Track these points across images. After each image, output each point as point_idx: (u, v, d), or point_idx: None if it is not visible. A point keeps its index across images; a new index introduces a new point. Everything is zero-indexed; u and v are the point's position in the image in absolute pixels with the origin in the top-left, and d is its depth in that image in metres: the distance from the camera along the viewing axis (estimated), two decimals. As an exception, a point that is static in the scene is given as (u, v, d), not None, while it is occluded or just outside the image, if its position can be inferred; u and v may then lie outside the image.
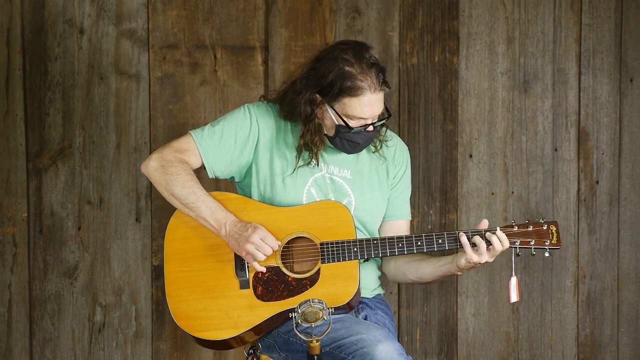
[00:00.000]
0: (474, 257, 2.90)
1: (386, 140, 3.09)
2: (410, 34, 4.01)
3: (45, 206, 3.93)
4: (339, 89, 2.87)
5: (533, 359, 4.10)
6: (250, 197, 3.03)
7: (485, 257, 2.91)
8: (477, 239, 2.91)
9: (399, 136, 3.23)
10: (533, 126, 4.05)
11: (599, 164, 4.07)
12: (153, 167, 2.94)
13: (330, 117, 2.94)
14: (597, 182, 4.07)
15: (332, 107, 2.92)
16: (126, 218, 3.96)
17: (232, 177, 3.07)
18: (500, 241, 2.92)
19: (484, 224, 2.95)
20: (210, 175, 3.02)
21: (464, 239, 2.92)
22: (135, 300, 3.98)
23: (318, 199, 3.00)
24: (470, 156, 4.04)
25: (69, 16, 3.89)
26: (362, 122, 2.92)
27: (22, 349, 3.97)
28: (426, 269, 3.03)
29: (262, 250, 2.87)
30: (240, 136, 2.99)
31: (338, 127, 2.93)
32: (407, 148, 3.17)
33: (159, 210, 3.95)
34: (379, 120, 2.95)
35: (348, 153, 3.00)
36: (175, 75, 3.95)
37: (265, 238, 2.87)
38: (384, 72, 2.91)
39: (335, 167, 3.04)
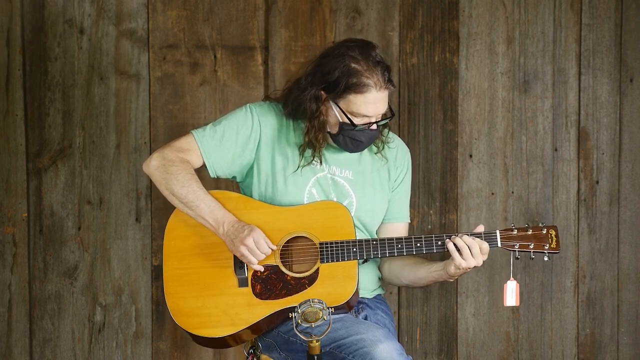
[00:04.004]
0: (462, 263, 2.88)
1: (388, 142, 3.09)
2: (410, 34, 4.01)
3: (45, 206, 3.93)
4: (345, 85, 2.87)
5: (533, 359, 4.09)
6: (251, 197, 3.03)
7: (473, 261, 2.87)
8: (460, 242, 2.88)
9: (399, 136, 3.22)
10: (533, 126, 4.04)
11: (599, 164, 4.07)
12: (154, 166, 2.94)
13: (334, 115, 2.93)
14: (597, 182, 4.07)
15: (337, 104, 2.91)
16: (126, 218, 3.96)
17: (234, 177, 3.07)
18: (480, 246, 2.88)
19: (480, 229, 2.94)
20: (212, 175, 3.02)
21: (450, 245, 2.89)
22: (135, 300, 3.98)
23: (319, 199, 3.00)
24: (470, 156, 4.04)
25: (69, 16, 3.89)
26: (367, 120, 2.91)
27: (22, 349, 3.97)
28: (420, 274, 3.02)
29: (254, 255, 2.86)
30: (242, 135, 2.99)
31: (342, 124, 2.93)
32: (408, 150, 3.17)
33: (159, 210, 3.95)
34: (382, 119, 2.95)
35: (350, 152, 3.00)
36: (175, 75, 3.95)
37: (259, 243, 2.86)
38: (389, 70, 2.91)
39: (337, 167, 3.04)
